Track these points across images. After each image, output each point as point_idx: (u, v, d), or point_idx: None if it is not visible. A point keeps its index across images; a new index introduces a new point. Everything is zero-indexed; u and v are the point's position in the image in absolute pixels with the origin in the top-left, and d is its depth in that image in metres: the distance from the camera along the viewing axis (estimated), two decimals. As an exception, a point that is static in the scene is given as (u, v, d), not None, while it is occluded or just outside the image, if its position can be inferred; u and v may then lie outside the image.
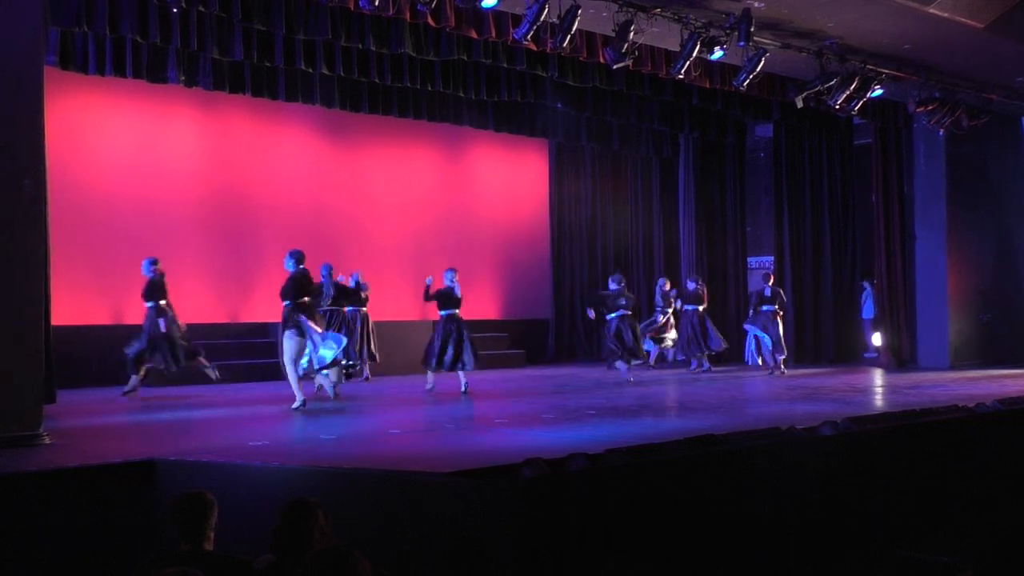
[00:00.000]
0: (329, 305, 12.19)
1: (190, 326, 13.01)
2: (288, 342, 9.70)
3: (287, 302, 9.74)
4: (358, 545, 3.20)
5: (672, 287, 15.70)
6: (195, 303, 13.57)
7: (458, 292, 11.70)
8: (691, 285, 15.27)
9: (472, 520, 5.01)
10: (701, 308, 14.90)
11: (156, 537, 5.75)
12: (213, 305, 13.94)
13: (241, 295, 14.30)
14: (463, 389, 11.57)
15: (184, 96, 13.18)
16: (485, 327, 16.79)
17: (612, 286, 13.60)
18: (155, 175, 13.58)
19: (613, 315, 13.37)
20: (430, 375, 11.88)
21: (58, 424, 8.17)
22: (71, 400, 10.15)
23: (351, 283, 12.93)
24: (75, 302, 12.38)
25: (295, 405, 9.69)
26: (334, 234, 15.19)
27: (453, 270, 11.85)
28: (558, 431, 8.20)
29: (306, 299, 9.79)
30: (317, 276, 11.38)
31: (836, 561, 6.48)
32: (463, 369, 11.61)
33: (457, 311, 11.67)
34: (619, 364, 13.36)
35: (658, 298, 15.64)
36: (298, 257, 9.90)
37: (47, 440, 7.30)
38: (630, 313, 13.40)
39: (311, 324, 9.68)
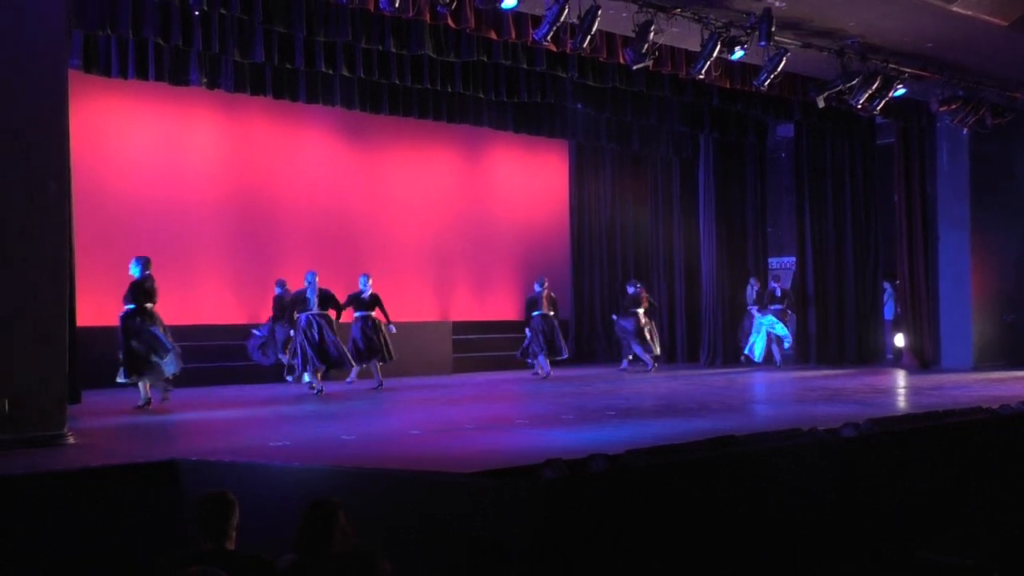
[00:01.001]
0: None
1: (208, 327, 13.08)
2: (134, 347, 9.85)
3: (130, 306, 9.86)
4: (379, 545, 3.21)
5: (758, 285, 16.48)
6: (215, 304, 13.67)
7: (367, 295, 12.55)
8: (631, 289, 15.47)
9: (493, 521, 5.01)
10: (641, 311, 15.15)
11: (178, 537, 5.78)
12: (233, 306, 14.01)
13: (261, 296, 14.33)
14: (369, 384, 12.45)
15: (206, 98, 13.27)
16: (504, 328, 16.79)
17: (536, 288, 14.42)
18: (177, 177, 13.67)
19: (536, 313, 14.27)
20: (354, 372, 12.74)
21: (82, 424, 8.24)
22: (96, 400, 10.23)
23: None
24: (100, 303, 12.45)
25: (139, 404, 9.89)
26: (354, 235, 15.25)
27: (366, 276, 12.66)
28: (578, 432, 8.20)
29: (148, 305, 9.92)
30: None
31: (852, 562, 6.44)
32: (381, 361, 12.57)
33: (370, 313, 12.57)
34: (540, 359, 14.25)
35: (750, 296, 16.40)
36: (144, 263, 10.04)
37: (71, 440, 7.37)
38: (551, 313, 14.28)
39: (155, 329, 9.83)
